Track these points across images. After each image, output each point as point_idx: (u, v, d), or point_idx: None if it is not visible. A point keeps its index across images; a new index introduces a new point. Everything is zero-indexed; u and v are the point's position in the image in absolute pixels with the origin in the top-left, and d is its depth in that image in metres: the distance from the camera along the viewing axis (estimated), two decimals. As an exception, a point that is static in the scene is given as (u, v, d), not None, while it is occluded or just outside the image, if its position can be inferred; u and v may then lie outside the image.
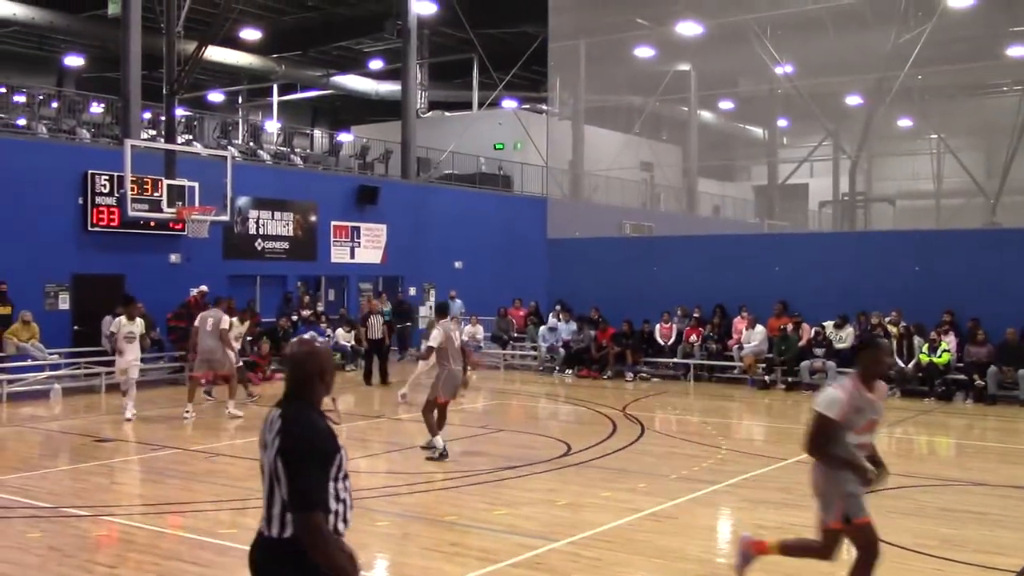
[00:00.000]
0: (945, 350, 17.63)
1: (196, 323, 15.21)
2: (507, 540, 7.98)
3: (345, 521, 3.72)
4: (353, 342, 22.32)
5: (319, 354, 3.85)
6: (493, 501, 9.46)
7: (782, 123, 39.52)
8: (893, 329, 18.47)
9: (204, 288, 19.67)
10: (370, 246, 25.32)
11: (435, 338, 11.44)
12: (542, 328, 22.78)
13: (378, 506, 9.15)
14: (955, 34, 27.38)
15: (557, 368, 21.86)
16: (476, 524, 8.55)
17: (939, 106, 33.74)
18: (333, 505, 3.62)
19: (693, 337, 20.74)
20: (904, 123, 35.55)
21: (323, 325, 21.93)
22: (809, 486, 6.02)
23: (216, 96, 40.42)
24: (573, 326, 22.15)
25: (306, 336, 3.97)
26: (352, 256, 24.90)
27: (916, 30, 27.69)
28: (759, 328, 19.81)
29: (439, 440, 11.42)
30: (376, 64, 36.82)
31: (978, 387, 17.21)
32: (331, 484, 3.62)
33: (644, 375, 20.80)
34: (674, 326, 21.19)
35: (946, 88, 32.67)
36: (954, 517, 8.99)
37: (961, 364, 17.65)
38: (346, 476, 3.73)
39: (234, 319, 16.22)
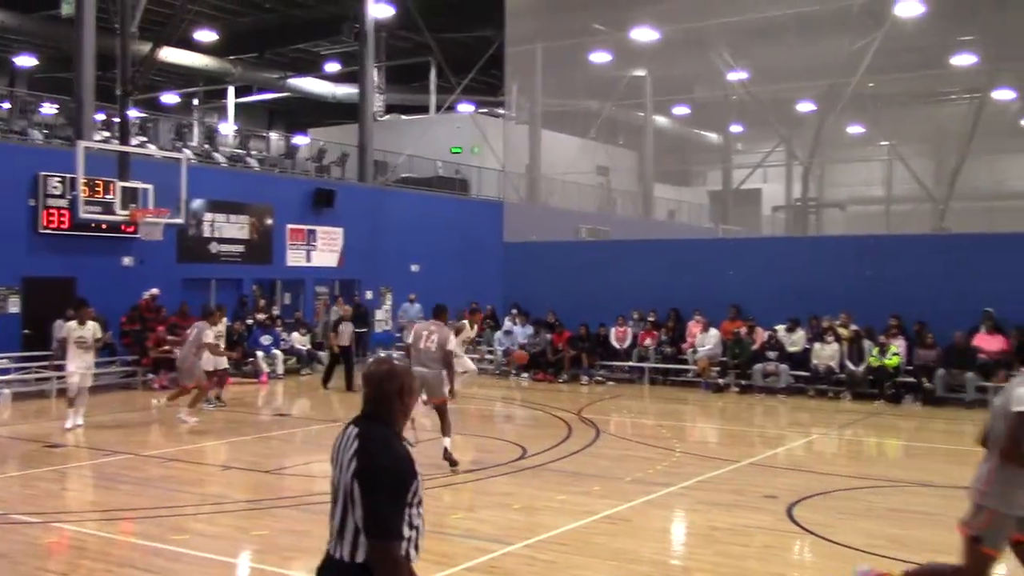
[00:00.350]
0: (895, 353, 17.94)
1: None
2: (463, 544, 8.00)
3: (416, 548, 3.64)
4: (309, 346, 22.24)
5: (398, 373, 3.72)
6: (449, 505, 9.49)
7: (737, 129, 40.01)
8: (843, 332, 18.76)
9: (155, 291, 19.48)
10: (326, 249, 25.21)
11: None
12: (498, 332, 22.84)
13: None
14: (905, 43, 27.89)
15: (513, 371, 21.91)
16: (432, 528, 8.47)
17: (890, 113, 34.35)
18: (406, 532, 3.55)
19: (648, 341, 20.90)
20: (856, 130, 36.14)
21: (279, 329, 21.81)
22: (975, 492, 5.69)
23: (171, 98, 39.98)
24: (529, 329, 22.22)
25: (384, 355, 3.83)
26: (308, 259, 24.77)
27: (868, 39, 28.17)
28: (713, 332, 20.01)
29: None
30: (333, 67, 36.66)
31: (926, 389, 17.53)
32: (406, 510, 3.55)
33: (599, 378, 20.92)
34: (629, 330, 21.35)
35: (897, 96, 33.27)
36: (902, 517, 9.17)
37: (911, 367, 17.98)
38: (420, 502, 3.64)
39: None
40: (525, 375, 21.62)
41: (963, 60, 29.46)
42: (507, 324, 22.77)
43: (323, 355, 21.87)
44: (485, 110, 36.85)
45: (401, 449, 3.61)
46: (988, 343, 17.59)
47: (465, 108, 36.65)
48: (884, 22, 27.19)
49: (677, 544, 8.65)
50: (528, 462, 11.66)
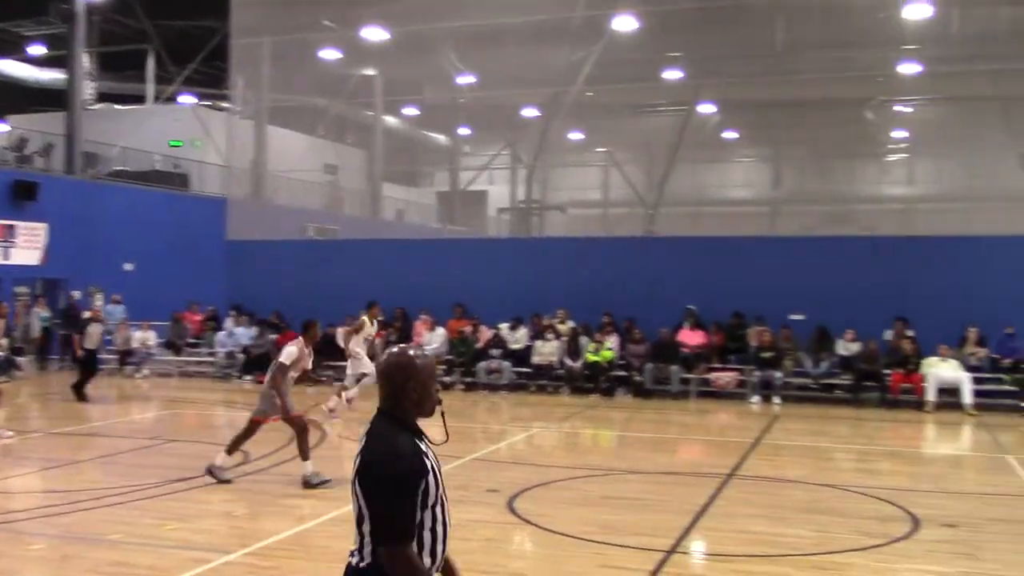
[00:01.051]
0: (608, 348, 18.96)
1: None
2: (178, 556, 7.62)
3: (433, 555, 3.33)
4: (8, 351, 20.39)
5: (404, 366, 3.42)
6: (163, 516, 9.00)
7: (464, 131, 40.80)
8: (563, 329, 19.60)
9: None
10: (28, 246, 23.24)
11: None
12: (220, 333, 22.00)
13: (33, 528, 8.44)
14: (621, 56, 29.46)
15: (236, 374, 21.19)
16: (144, 541, 8.09)
17: (607, 122, 36.23)
18: (417, 535, 3.27)
19: (376, 340, 20.83)
20: (576, 136, 37.83)
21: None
22: None
23: None
24: (253, 331, 21.57)
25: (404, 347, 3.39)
26: (6, 257, 22.76)
27: (587, 51, 29.56)
28: (440, 331, 20.29)
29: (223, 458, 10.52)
30: (38, 49, 33.93)
31: (636, 382, 18.66)
32: (418, 512, 3.24)
33: (325, 379, 20.62)
34: (357, 329, 21.19)
35: (613, 105, 35.14)
36: (614, 504, 9.67)
37: (623, 361, 19.06)
38: (439, 503, 3.33)
39: None
40: (248, 377, 20.96)
41: (672, 75, 31.52)
42: (228, 325, 21.98)
43: (23, 360, 20.14)
44: (208, 103, 35.42)
45: (406, 443, 3.30)
46: (690, 338, 19.00)
47: (186, 100, 35.06)
48: (602, 35, 28.61)
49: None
50: (250, 467, 11.29)
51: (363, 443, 3.36)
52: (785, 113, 32.74)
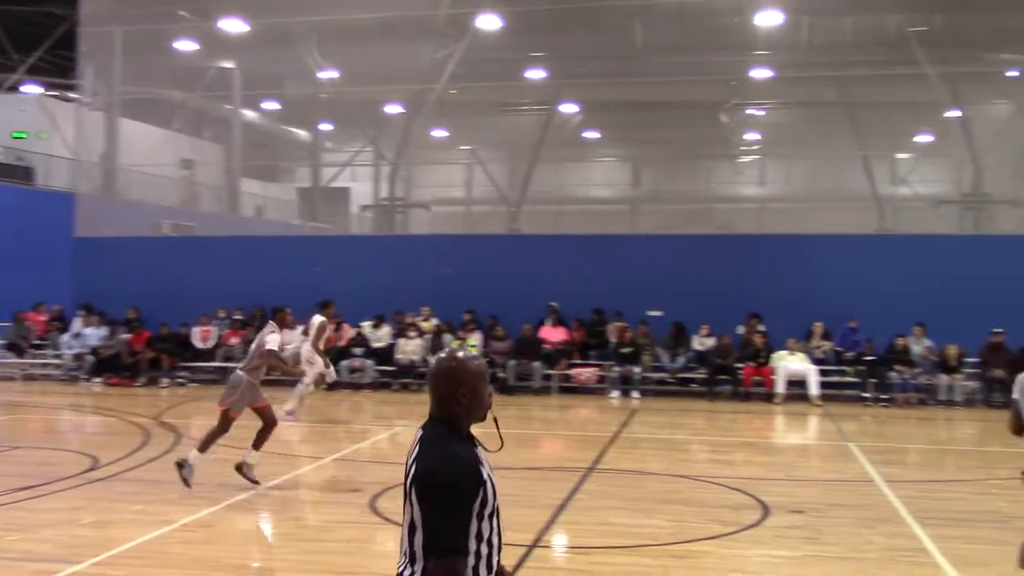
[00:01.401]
0: (472, 345, 19.02)
1: None
2: (21, 568, 7.26)
3: (489, 567, 3.18)
4: None
5: (453, 371, 3.27)
6: (5, 526, 8.55)
7: (326, 127, 40.20)
8: (426, 326, 19.56)
9: None
10: None
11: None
12: (65, 335, 21.05)
13: None
14: (485, 55, 29.53)
15: (84, 376, 20.33)
16: (-18, 553, 7.68)
17: (471, 120, 36.27)
18: (474, 546, 3.11)
19: (234, 340, 20.34)
20: (440, 134, 37.75)
21: None
22: None
23: None
24: (103, 331, 20.73)
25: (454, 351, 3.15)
26: None
27: (451, 48, 29.53)
28: (300, 329, 19.91)
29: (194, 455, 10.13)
30: None
31: (499, 379, 18.78)
32: (474, 523, 3.10)
33: (180, 380, 20.03)
34: (214, 329, 20.66)
35: (477, 104, 35.21)
36: (476, 501, 9.68)
37: (486, 359, 19.13)
38: (493, 513, 3.20)
39: None
40: (98, 380, 20.15)
41: (535, 74, 31.79)
42: (76, 326, 21.06)
43: None
44: (55, 93, 33.79)
45: (463, 452, 3.17)
46: (552, 335, 19.26)
47: (31, 89, 33.38)
48: (466, 33, 28.63)
49: (261, 546, 8.49)
50: (99, 473, 10.85)
51: (416, 450, 3.24)
52: (644, 114, 33.46)
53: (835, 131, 31.69)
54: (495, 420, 3.38)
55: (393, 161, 34.80)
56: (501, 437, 3.43)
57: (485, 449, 3.33)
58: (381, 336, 19.75)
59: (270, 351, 10.33)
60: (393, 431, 14.86)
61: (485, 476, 3.18)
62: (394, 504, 9.35)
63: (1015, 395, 5.89)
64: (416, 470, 3.16)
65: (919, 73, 25.18)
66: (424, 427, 3.31)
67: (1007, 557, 7.62)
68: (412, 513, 3.16)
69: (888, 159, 31.94)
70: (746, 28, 24.86)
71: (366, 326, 19.89)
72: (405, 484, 3.21)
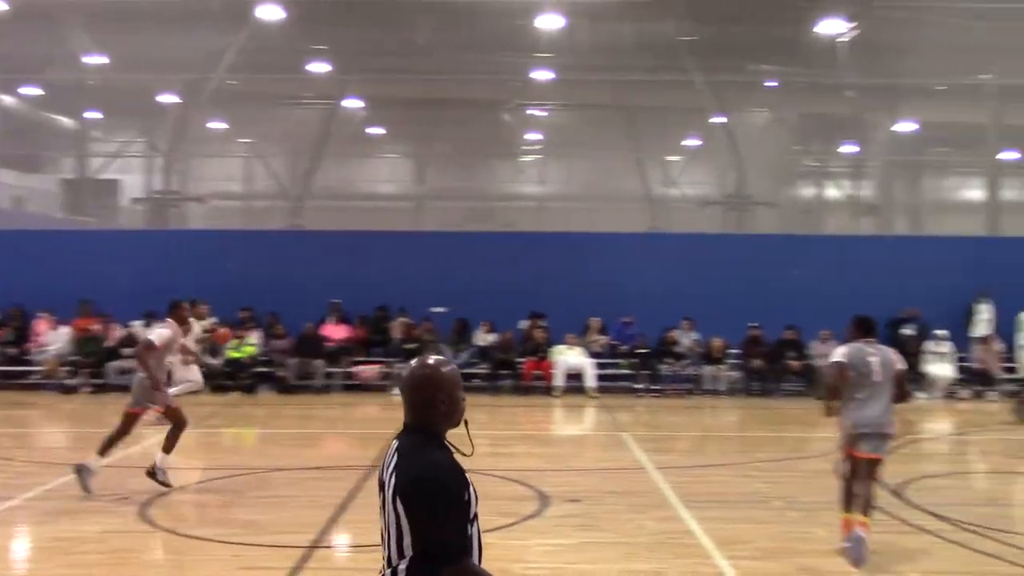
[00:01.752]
0: (250, 344, 18.51)
1: None
2: None
3: None
4: None
5: (430, 378, 3.24)
6: None
7: (95, 115, 37.96)
8: (203, 325, 18.82)
9: None
10: None
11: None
12: None
13: None
14: (266, 45, 28.73)
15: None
16: None
17: (250, 112, 35.25)
18: None
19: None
20: (218, 126, 36.46)
21: None
22: None
23: None
24: None
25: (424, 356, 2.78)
26: None
27: (230, 37, 28.56)
28: (63, 329, 18.79)
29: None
30: None
31: (280, 378, 18.37)
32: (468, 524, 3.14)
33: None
34: (-35, 329, 19.12)
35: (257, 95, 34.24)
36: (256, 503, 9.45)
37: (266, 357, 18.67)
38: (476, 519, 3.20)
39: None
40: None
41: (318, 68, 31.23)
42: None
43: None
44: None
45: (445, 459, 3.17)
46: (335, 332, 19.04)
47: None
48: (246, 23, 27.75)
49: (19, 562, 7.91)
50: None
51: (395, 460, 3.20)
52: (429, 111, 33.57)
53: (612, 133, 32.98)
54: (466, 424, 3.38)
55: (167, 153, 33.37)
56: (471, 442, 3.42)
57: (461, 454, 3.33)
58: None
59: (144, 341, 10.02)
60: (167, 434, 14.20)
61: (468, 480, 3.20)
62: (168, 511, 8.98)
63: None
64: (400, 479, 3.14)
65: (688, 80, 26.60)
66: (399, 437, 3.30)
67: (767, 534, 8.21)
68: (398, 521, 3.13)
69: (660, 161, 33.50)
70: (529, 30, 25.40)
71: (137, 325, 18.92)
72: (383, 494, 3.23)
